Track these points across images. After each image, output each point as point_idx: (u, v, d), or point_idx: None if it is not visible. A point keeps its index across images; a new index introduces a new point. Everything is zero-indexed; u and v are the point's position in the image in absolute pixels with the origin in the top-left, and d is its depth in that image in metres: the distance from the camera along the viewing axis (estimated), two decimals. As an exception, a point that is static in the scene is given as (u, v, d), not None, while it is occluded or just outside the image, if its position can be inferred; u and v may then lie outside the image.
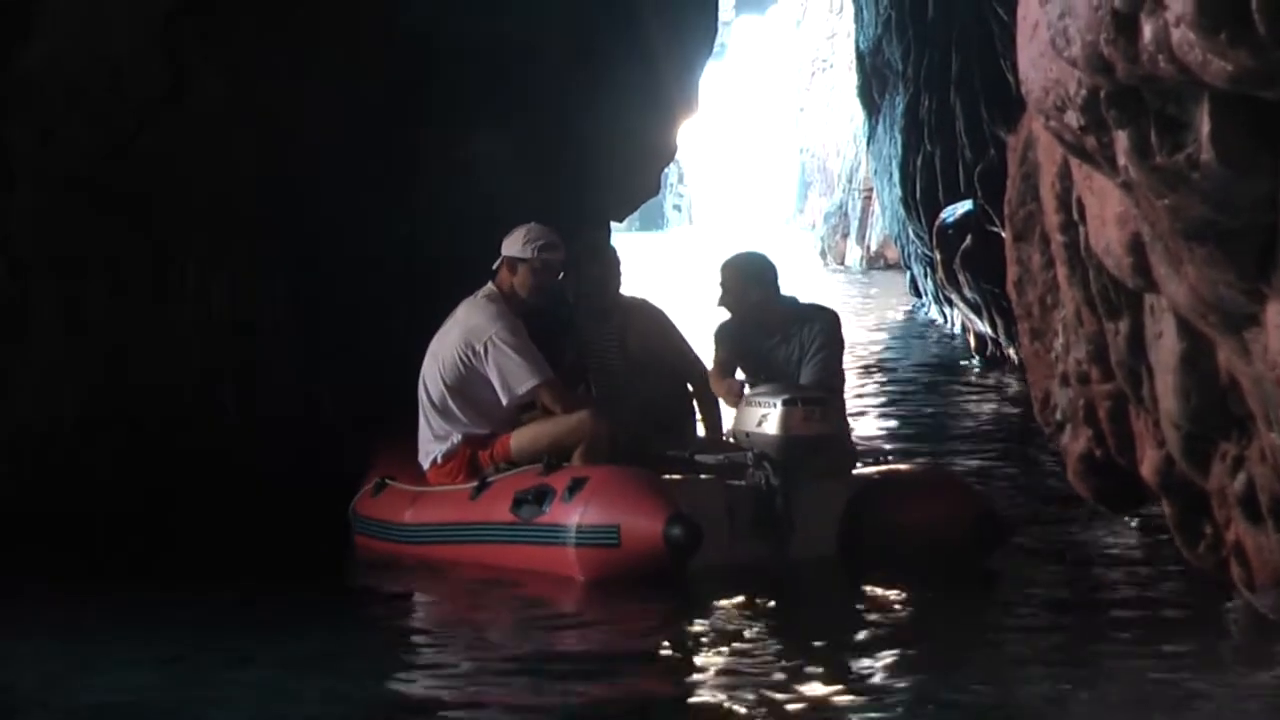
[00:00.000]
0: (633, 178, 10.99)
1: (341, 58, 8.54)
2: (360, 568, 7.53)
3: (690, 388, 8.11)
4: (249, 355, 8.40)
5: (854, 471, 7.60)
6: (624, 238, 15.96)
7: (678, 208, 60.90)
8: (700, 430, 8.14)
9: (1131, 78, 3.62)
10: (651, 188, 11.54)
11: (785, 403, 7.19)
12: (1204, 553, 5.20)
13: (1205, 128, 3.57)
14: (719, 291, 7.92)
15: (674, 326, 8.22)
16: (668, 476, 7.27)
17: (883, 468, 7.93)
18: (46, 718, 5.15)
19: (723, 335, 7.91)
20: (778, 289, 7.90)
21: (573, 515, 7.01)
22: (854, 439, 8.19)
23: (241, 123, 8.18)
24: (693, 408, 8.19)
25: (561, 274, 7.84)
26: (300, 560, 7.39)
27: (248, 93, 8.19)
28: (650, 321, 8.16)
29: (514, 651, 6.18)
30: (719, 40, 12.07)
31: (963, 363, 15.46)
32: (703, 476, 7.38)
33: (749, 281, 7.87)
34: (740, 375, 7.81)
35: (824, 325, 7.84)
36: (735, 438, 7.46)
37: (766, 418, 7.21)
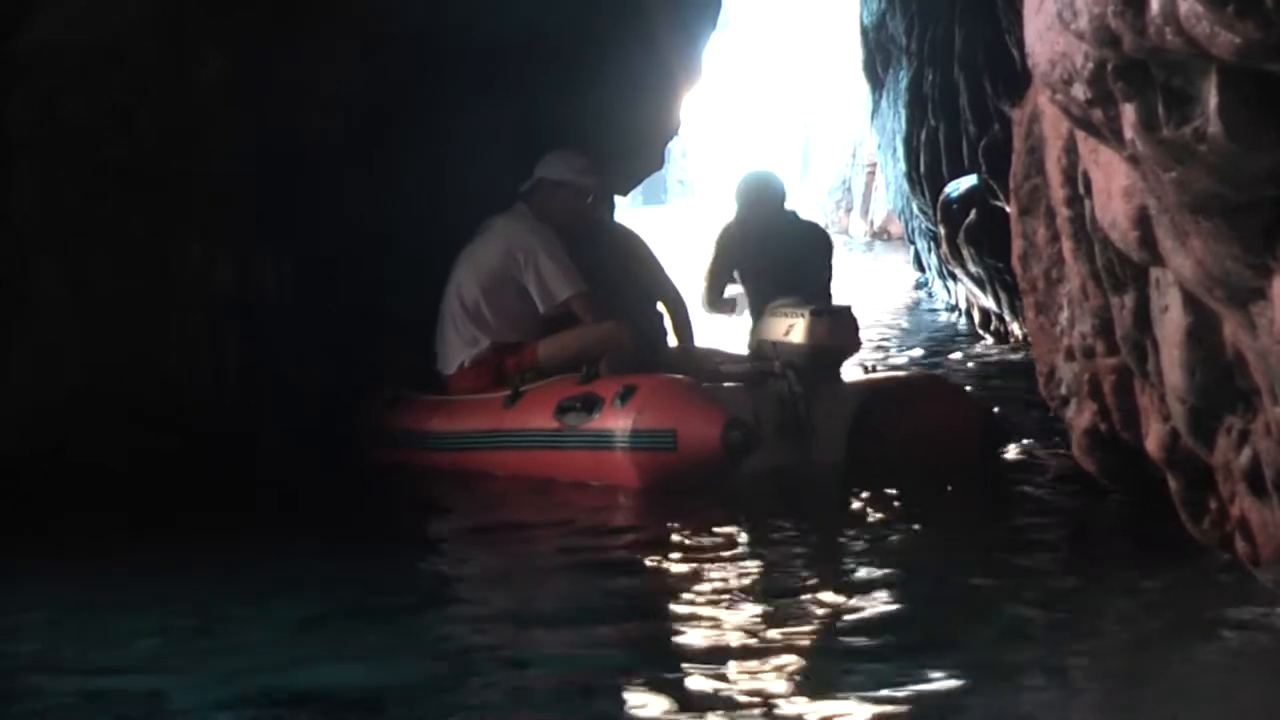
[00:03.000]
0: (636, 152, 10.97)
1: (344, 36, 8.52)
2: (386, 483, 7.57)
3: (662, 308, 8.41)
4: (252, 330, 8.39)
5: (857, 379, 8.00)
6: (627, 212, 15.99)
7: (681, 182, 60.84)
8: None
9: (1139, 50, 3.61)
10: (655, 162, 11.52)
11: (813, 313, 7.63)
12: (1209, 528, 5.19)
13: (1212, 101, 3.55)
14: (738, 203, 8.68)
15: (650, 251, 8.57)
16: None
17: (884, 375, 8.48)
18: (55, 681, 5.15)
19: (725, 240, 8.44)
20: (784, 202, 8.69)
21: (626, 421, 7.22)
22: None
23: (245, 99, 8.16)
24: (664, 326, 8.66)
25: (591, 198, 8.27)
26: (314, 508, 7.47)
27: (251, 69, 8.17)
28: (626, 245, 8.48)
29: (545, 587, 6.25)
30: (722, 13, 12.04)
31: (958, 339, 15.45)
32: (727, 384, 7.63)
33: (766, 194, 8.64)
34: (731, 288, 8.23)
35: (821, 243, 8.76)
36: (760, 347, 7.82)
37: (794, 327, 7.61)
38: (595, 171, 8.18)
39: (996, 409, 8.70)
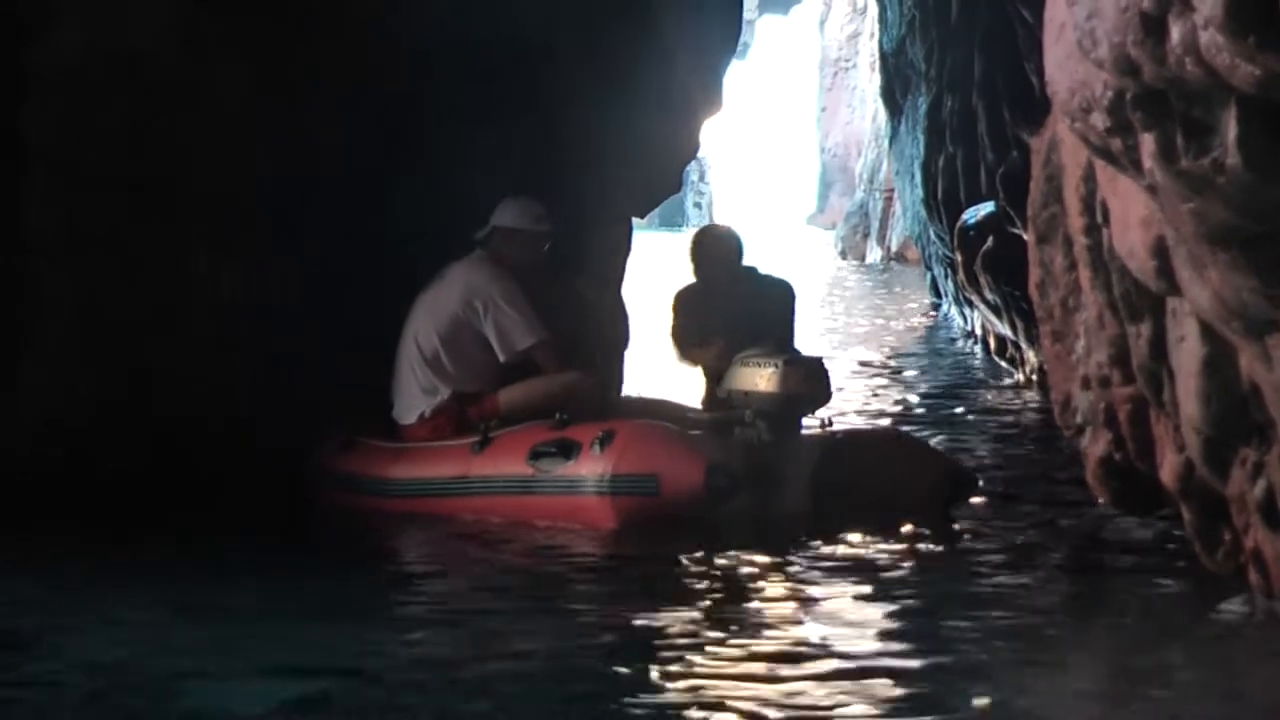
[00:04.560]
0: (653, 175, 10.97)
1: (357, 50, 8.52)
2: (350, 522, 7.61)
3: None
4: (262, 339, 8.39)
5: (817, 432, 7.98)
6: (644, 236, 15.99)
7: (698, 205, 60.87)
8: None
9: (1158, 80, 3.61)
10: (672, 185, 11.52)
11: (786, 363, 7.64)
12: (1222, 558, 5.19)
13: (1232, 132, 3.55)
14: (696, 261, 8.63)
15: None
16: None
17: (847, 428, 8.53)
18: (57, 666, 5.21)
19: (686, 300, 8.53)
20: (741, 258, 8.73)
21: (605, 465, 7.23)
22: None
23: (257, 110, 8.17)
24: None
25: (548, 245, 8.19)
26: (309, 523, 7.53)
27: (264, 80, 8.18)
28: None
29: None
30: (742, 39, 12.04)
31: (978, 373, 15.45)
32: (694, 432, 7.65)
33: (729, 251, 8.65)
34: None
35: (783, 296, 8.71)
36: (730, 396, 7.78)
37: (766, 376, 7.61)
38: (548, 219, 8.15)
39: (965, 462, 8.82)
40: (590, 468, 7.30)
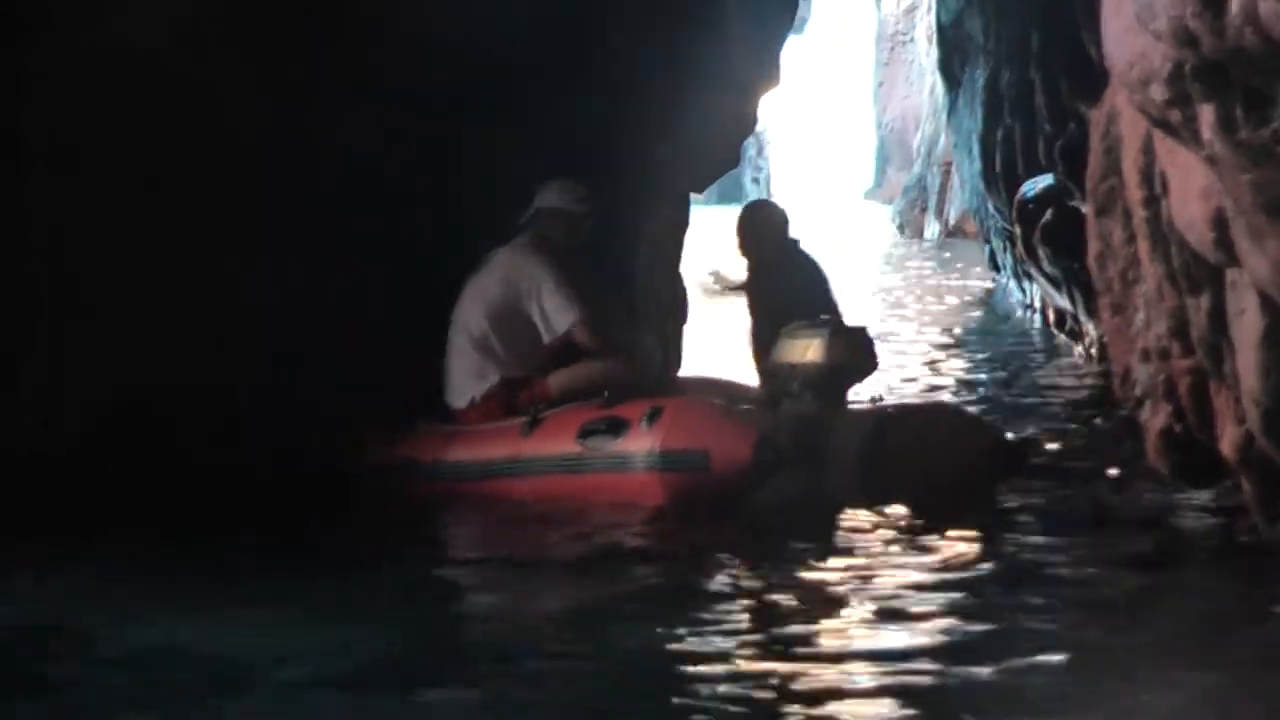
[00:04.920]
0: (712, 151, 10.98)
1: (385, 43, 8.49)
2: (399, 511, 7.64)
3: None
4: (262, 338, 8.39)
5: (867, 405, 8.01)
6: (702, 211, 15.97)
7: (756, 180, 60.74)
8: None
9: (1217, 51, 3.61)
10: (731, 160, 11.53)
11: (831, 333, 7.68)
12: (1283, 530, 5.18)
13: (1291, 102, 3.55)
14: (744, 238, 8.80)
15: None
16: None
17: (896, 402, 8.62)
18: (85, 662, 5.28)
19: (754, 298, 8.81)
20: (788, 230, 8.84)
21: (654, 441, 7.28)
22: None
23: (259, 107, 8.16)
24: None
25: (590, 223, 8.29)
26: (322, 516, 7.51)
27: (267, 78, 8.17)
28: None
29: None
30: (799, 14, 12.03)
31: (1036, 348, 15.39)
32: (743, 407, 7.72)
33: (778, 227, 8.79)
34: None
35: (822, 273, 8.85)
36: (777, 370, 7.81)
37: (811, 346, 7.63)
38: (590, 199, 8.21)
39: (1015, 436, 8.82)
40: (639, 444, 7.36)
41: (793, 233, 8.98)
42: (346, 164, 8.36)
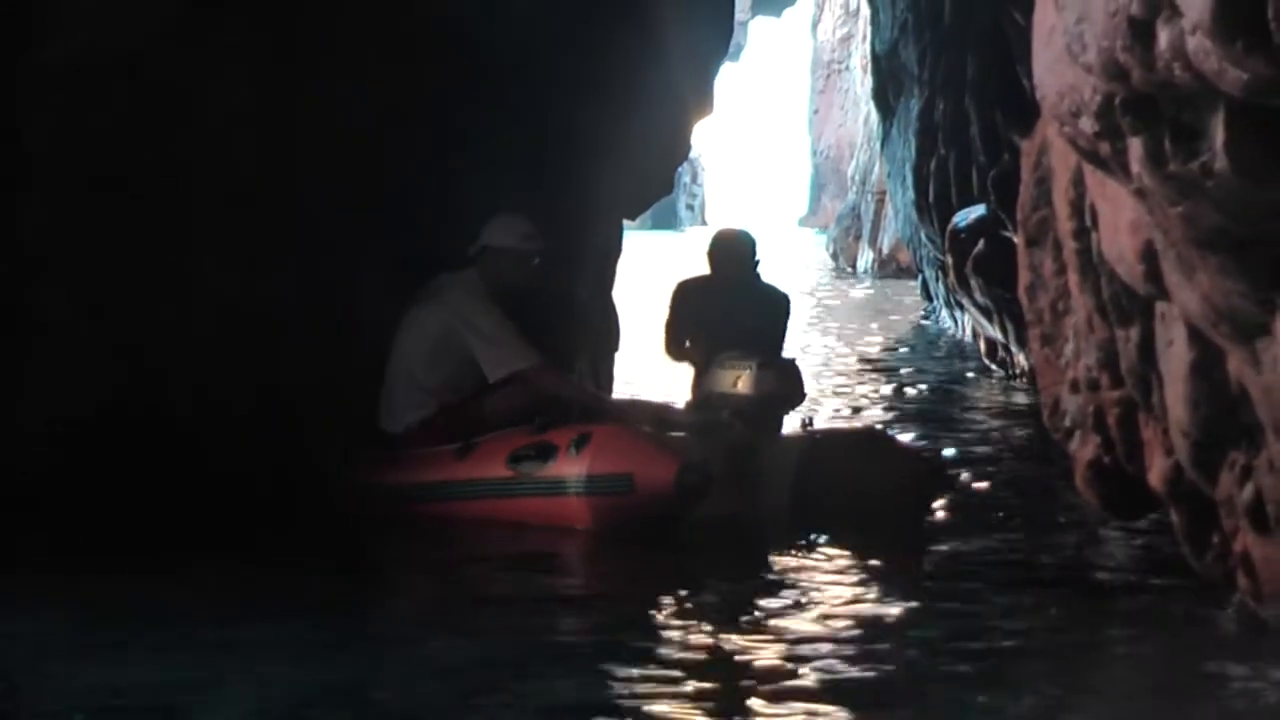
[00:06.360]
0: (646, 176, 10.98)
1: (354, 53, 8.52)
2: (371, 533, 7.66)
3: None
4: (265, 346, 8.38)
5: (797, 432, 8.16)
6: (636, 236, 15.98)
7: (690, 207, 60.93)
8: None
9: (1147, 85, 3.62)
10: (665, 187, 11.53)
11: (759, 365, 7.96)
12: (1211, 562, 5.19)
13: (1220, 136, 3.56)
14: (713, 259, 8.84)
15: None
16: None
17: (826, 428, 8.72)
18: (45, 702, 5.16)
19: (686, 293, 8.76)
20: (753, 263, 8.93)
21: (581, 467, 7.43)
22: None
23: (259, 114, 8.16)
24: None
25: (537, 261, 8.29)
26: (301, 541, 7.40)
27: (265, 84, 8.18)
28: None
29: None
30: (735, 41, 12.04)
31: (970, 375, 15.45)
32: (675, 434, 7.84)
33: (745, 253, 8.83)
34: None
35: (779, 307, 8.98)
36: (708, 398, 8.08)
37: (741, 378, 7.92)
38: (538, 237, 8.23)
39: (940, 457, 9.05)
40: (567, 469, 7.48)
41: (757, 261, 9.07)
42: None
